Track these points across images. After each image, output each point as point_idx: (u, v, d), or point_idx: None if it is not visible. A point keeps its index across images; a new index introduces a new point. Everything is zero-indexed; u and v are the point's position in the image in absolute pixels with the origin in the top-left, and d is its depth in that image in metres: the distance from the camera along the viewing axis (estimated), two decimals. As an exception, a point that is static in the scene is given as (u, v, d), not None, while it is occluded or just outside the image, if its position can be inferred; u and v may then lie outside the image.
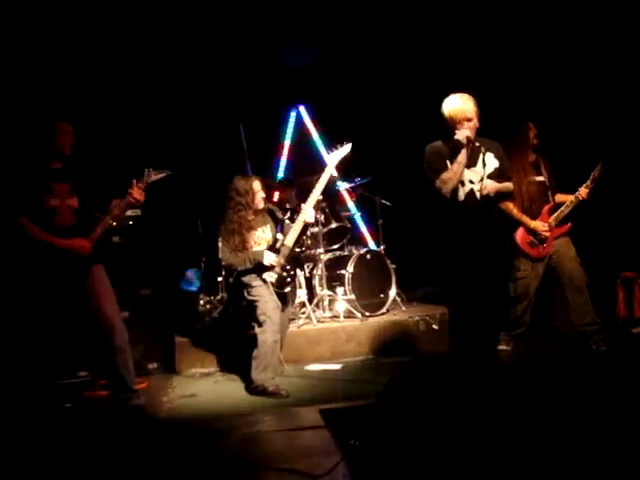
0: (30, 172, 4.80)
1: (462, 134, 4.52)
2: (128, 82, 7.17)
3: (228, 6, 7.07)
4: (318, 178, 5.50)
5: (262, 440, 4.19)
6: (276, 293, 5.32)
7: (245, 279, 5.37)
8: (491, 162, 4.65)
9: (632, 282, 6.86)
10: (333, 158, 5.57)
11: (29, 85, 6.51)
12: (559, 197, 6.01)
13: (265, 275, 5.29)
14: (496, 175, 4.68)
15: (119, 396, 4.86)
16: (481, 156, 4.56)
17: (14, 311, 5.21)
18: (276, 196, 7.87)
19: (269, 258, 5.30)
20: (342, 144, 5.57)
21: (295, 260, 5.58)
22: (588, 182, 5.82)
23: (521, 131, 6.01)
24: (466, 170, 4.60)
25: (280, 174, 8.10)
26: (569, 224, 5.97)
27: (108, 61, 6.96)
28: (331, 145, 5.69)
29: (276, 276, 5.32)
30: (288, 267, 5.42)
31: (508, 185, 4.77)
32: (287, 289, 5.45)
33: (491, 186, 4.60)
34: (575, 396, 3.48)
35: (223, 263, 5.53)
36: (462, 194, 4.62)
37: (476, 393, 3.66)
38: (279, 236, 5.47)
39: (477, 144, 4.57)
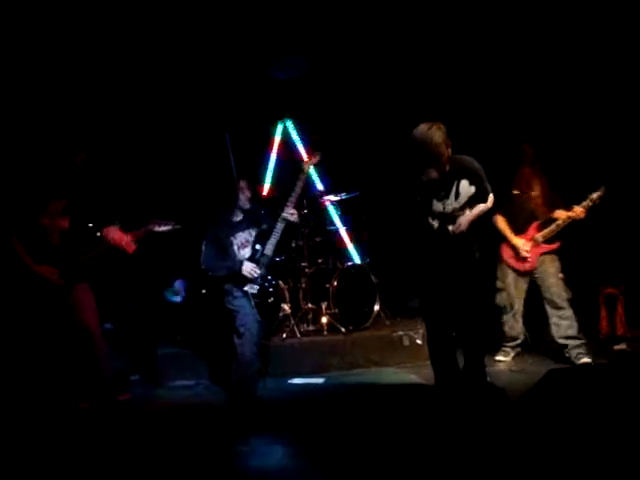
0: (30, 190, 4.85)
1: (425, 176, 4.54)
2: (116, 97, 7.16)
3: (217, 19, 7.09)
4: (296, 179, 5.55)
5: (242, 451, 4.18)
6: (258, 304, 5.30)
7: (227, 287, 5.35)
8: (465, 191, 4.63)
9: (614, 299, 6.90)
10: (310, 162, 5.69)
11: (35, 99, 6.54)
12: (557, 213, 5.99)
13: (246, 287, 5.28)
14: (470, 201, 4.66)
15: (101, 407, 4.85)
16: (454, 186, 4.59)
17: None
18: (266, 190, 7.92)
19: (248, 269, 5.26)
20: (318, 153, 5.70)
21: (277, 269, 5.58)
22: (585, 203, 5.84)
23: (524, 150, 6.11)
24: (436, 202, 4.62)
25: (269, 174, 8.08)
26: (557, 243, 6.01)
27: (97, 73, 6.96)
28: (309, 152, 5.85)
29: (257, 287, 5.30)
30: (269, 277, 5.42)
31: (481, 208, 4.71)
32: (269, 299, 5.44)
33: (465, 222, 4.62)
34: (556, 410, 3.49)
35: (202, 267, 5.44)
36: (435, 225, 4.67)
37: (458, 409, 3.67)
38: (257, 247, 5.43)
39: (447, 169, 4.55)
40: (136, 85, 7.23)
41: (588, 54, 6.94)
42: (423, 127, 4.47)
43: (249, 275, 5.25)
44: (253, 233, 5.51)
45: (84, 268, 4.95)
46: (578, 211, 5.84)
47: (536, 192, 6.05)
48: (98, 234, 5.00)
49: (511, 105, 7.34)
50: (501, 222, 6.05)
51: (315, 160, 5.70)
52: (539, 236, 5.98)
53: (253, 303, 5.26)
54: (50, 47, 6.52)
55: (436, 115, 4.64)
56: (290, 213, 5.41)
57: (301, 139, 8.14)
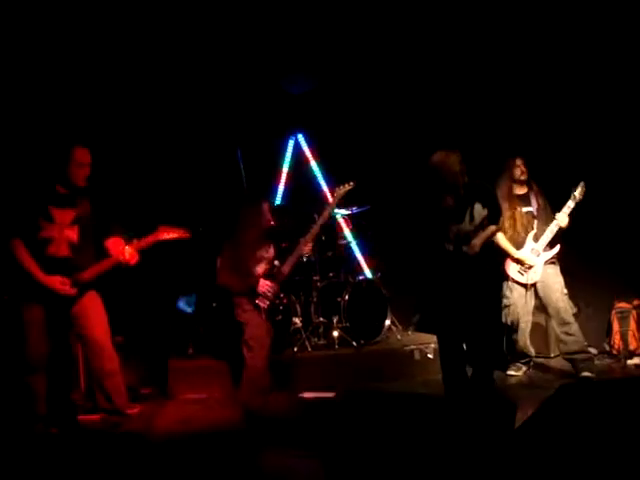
0: (32, 193, 4.82)
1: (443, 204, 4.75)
2: (129, 108, 7.20)
3: (227, 32, 7.14)
4: (320, 213, 5.58)
5: (253, 465, 4.17)
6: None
7: (237, 300, 5.32)
8: (478, 213, 4.76)
9: (627, 313, 6.85)
10: (337, 195, 5.63)
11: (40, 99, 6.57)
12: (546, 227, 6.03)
13: (258, 301, 5.27)
14: (483, 223, 4.79)
15: (111, 420, 4.84)
16: (469, 209, 4.72)
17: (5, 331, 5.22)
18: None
19: (264, 287, 5.25)
20: (346, 183, 5.63)
21: (289, 288, 5.59)
22: (570, 203, 5.85)
23: (508, 165, 6.11)
24: (452, 226, 4.74)
25: (277, 201, 8.12)
26: (558, 246, 6.01)
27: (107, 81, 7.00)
28: (336, 183, 5.78)
29: (268, 303, 5.29)
30: (281, 295, 5.45)
31: (493, 229, 4.90)
32: (278, 317, 5.50)
33: (478, 243, 4.70)
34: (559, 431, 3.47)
35: (218, 282, 5.43)
36: (450, 247, 4.74)
37: (468, 423, 3.65)
38: (276, 263, 5.45)
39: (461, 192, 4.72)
40: (149, 96, 7.27)
41: (578, 64, 6.96)
42: (440, 155, 4.65)
43: (264, 293, 5.25)
44: (270, 250, 5.50)
45: (93, 280, 4.93)
46: (561, 219, 5.86)
47: (532, 207, 6.09)
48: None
49: (510, 120, 7.34)
50: (501, 239, 6.02)
51: (341, 194, 5.66)
52: (538, 246, 5.98)
53: (264, 316, 5.27)
54: (60, 58, 6.56)
55: (444, 134, 4.72)
56: (306, 250, 5.52)
57: (325, 178, 8.22)
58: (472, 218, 4.71)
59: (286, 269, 5.43)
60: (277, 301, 5.41)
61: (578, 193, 5.84)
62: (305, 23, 7.14)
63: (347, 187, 5.62)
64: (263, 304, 5.27)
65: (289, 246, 5.63)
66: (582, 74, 6.88)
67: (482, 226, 4.79)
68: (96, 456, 4.47)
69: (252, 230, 5.38)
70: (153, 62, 7.07)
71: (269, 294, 5.26)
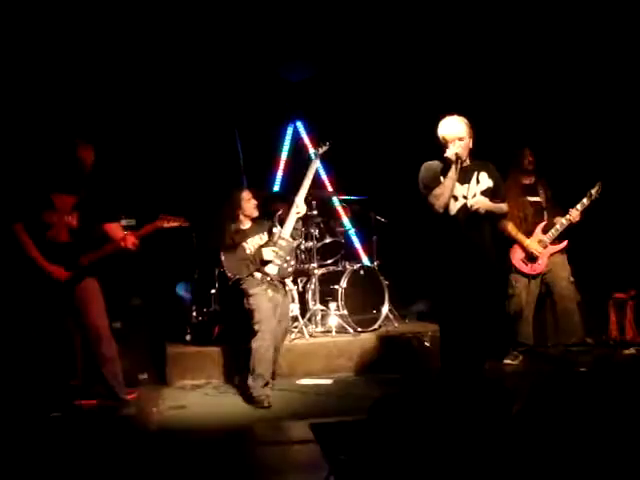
0: (34, 179, 4.84)
1: (451, 151, 4.57)
2: (124, 94, 7.17)
3: (227, 20, 7.10)
4: (305, 172, 5.76)
5: (251, 453, 4.18)
6: (276, 306, 5.48)
7: (244, 286, 5.49)
8: (484, 181, 4.73)
9: (624, 303, 6.88)
10: (318, 154, 5.91)
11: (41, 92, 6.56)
12: (558, 219, 6.09)
13: (266, 268, 5.46)
14: (489, 193, 4.72)
15: (108, 406, 4.85)
16: (475, 174, 4.69)
17: (4, 317, 5.23)
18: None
19: (269, 253, 5.48)
20: (325, 144, 5.91)
21: (293, 251, 5.76)
22: (585, 200, 5.90)
23: (517, 155, 6.22)
24: (459, 186, 4.66)
25: (275, 188, 8.11)
26: (565, 242, 6.06)
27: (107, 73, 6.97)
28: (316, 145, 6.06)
29: (277, 268, 5.50)
30: (288, 258, 5.60)
31: (501, 206, 4.81)
32: (289, 279, 5.78)
33: (482, 203, 4.64)
34: (555, 417, 3.48)
35: (229, 274, 5.63)
36: (454, 208, 4.66)
37: (463, 410, 3.66)
38: (275, 230, 5.63)
39: (469, 163, 4.70)
40: (147, 82, 7.24)
41: (584, 60, 6.96)
42: (450, 117, 4.68)
43: (270, 257, 5.47)
44: (264, 237, 5.67)
45: (92, 266, 4.94)
46: (573, 214, 5.93)
47: (539, 198, 6.18)
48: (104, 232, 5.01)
49: (515, 110, 7.34)
50: (510, 226, 6.09)
51: (324, 149, 5.88)
52: (546, 238, 6.03)
53: (270, 302, 5.43)
54: (61, 42, 6.53)
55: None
56: (301, 208, 5.60)
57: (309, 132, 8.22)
58: (478, 181, 4.70)
59: (286, 233, 5.61)
60: (285, 264, 5.58)
61: (595, 192, 5.87)
62: (304, 9, 7.10)
63: (328, 145, 5.88)
64: (272, 270, 5.48)
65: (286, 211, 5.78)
66: (594, 72, 6.90)
67: (489, 198, 4.72)
68: (93, 440, 4.47)
69: (237, 219, 5.64)
70: (152, 49, 7.04)
71: (273, 256, 5.48)
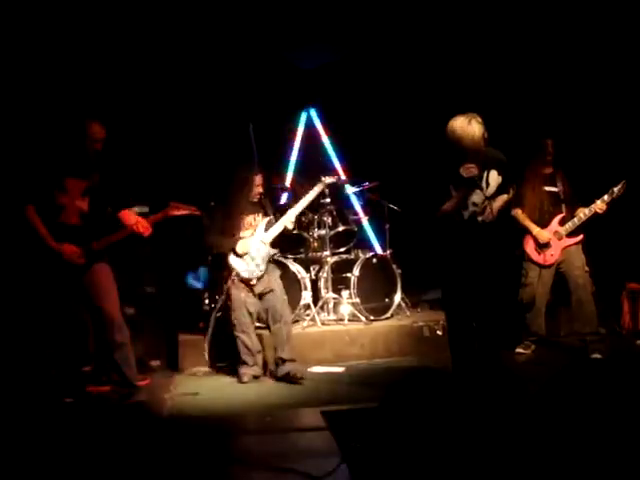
0: (47, 162, 4.85)
1: (466, 172, 4.46)
2: (137, 83, 7.17)
3: (239, 8, 7.07)
4: (309, 190, 5.87)
5: (263, 440, 4.19)
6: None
7: (226, 288, 5.64)
8: (494, 179, 4.67)
9: (637, 294, 6.85)
10: (327, 180, 6.02)
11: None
12: (578, 210, 6.05)
13: (235, 263, 5.55)
14: (498, 190, 4.70)
15: (121, 392, 4.87)
16: (484, 176, 4.62)
17: (16, 303, 5.25)
18: (288, 180, 8.05)
19: (242, 247, 5.56)
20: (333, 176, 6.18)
21: (269, 259, 5.76)
22: (606, 197, 5.84)
23: (538, 146, 6.15)
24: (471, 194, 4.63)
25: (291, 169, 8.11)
26: (581, 236, 6.03)
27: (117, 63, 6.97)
28: (333, 171, 6.52)
29: (246, 271, 5.57)
30: (259, 262, 5.61)
31: (505, 199, 4.78)
32: (253, 282, 5.61)
33: (494, 210, 4.62)
34: (569, 406, 3.47)
35: (205, 243, 5.85)
36: (466, 215, 4.66)
37: (475, 398, 3.65)
38: (259, 230, 5.69)
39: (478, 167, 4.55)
40: (163, 72, 7.24)
41: (607, 51, 6.90)
42: (462, 121, 4.42)
43: (242, 252, 5.54)
44: (258, 219, 5.79)
45: (104, 251, 4.95)
46: (599, 205, 5.86)
47: (557, 188, 6.12)
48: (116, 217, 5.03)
49: (534, 100, 7.30)
50: (521, 215, 6.09)
51: (330, 181, 6.07)
52: (562, 230, 6.00)
53: (246, 298, 5.57)
54: (75, 26, 6.53)
55: (461, 105, 4.63)
56: (290, 222, 5.70)
57: (339, 158, 8.28)
58: (487, 185, 4.63)
59: (268, 238, 5.67)
60: (254, 267, 5.60)
61: (617, 190, 5.83)
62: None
63: (334, 178, 6.09)
64: (237, 265, 5.56)
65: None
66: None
67: (498, 193, 4.70)
68: (104, 426, 4.48)
69: (240, 197, 5.71)
70: (167, 38, 7.03)
71: (245, 254, 5.55)
